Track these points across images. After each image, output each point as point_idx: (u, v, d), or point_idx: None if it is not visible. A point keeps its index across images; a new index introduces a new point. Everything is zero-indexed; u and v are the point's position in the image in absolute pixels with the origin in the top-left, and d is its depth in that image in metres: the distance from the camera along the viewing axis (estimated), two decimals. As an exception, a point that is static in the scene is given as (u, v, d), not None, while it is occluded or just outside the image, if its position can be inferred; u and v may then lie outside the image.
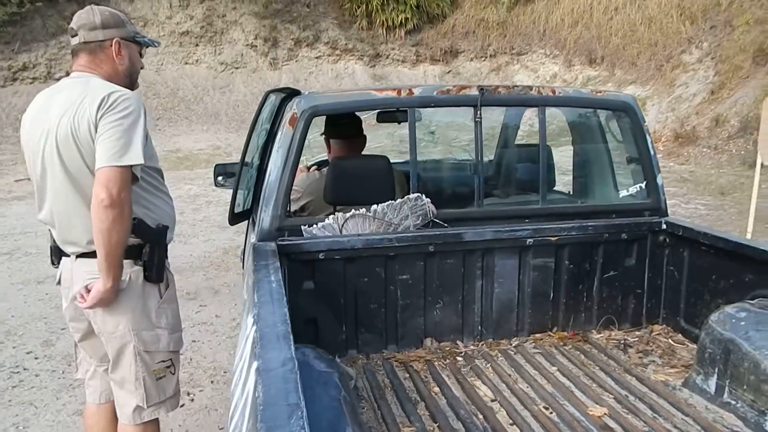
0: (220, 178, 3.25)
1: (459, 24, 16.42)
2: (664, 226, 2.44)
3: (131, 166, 1.71)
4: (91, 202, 1.68)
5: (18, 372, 3.44)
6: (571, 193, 2.99)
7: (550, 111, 2.41)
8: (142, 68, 2.00)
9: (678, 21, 12.79)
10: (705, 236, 2.24)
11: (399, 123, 3.51)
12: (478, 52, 16.11)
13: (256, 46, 15.77)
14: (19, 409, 3.03)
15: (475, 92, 2.26)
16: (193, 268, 5.41)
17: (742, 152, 9.37)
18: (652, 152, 2.45)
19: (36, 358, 3.61)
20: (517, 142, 3.29)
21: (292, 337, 1.25)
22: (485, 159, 3.71)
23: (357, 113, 2.64)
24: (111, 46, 1.87)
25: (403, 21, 16.05)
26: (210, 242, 6.28)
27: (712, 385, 1.92)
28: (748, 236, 5.25)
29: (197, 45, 15.44)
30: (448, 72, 16.29)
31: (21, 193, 9.13)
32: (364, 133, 2.81)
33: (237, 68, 15.72)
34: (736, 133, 9.80)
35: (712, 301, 2.26)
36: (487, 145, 4.00)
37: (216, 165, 3.31)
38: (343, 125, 2.68)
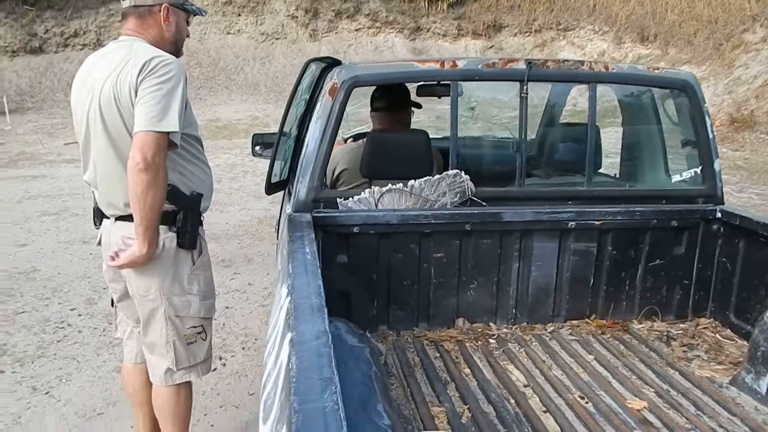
0: (257, 147, 3.25)
1: (505, -3, 16.02)
2: (719, 215, 2.32)
3: (167, 132, 1.72)
4: (127, 165, 1.70)
5: (63, 327, 3.58)
6: (617, 176, 2.88)
7: (600, 89, 2.31)
8: (188, 36, 2.01)
9: (741, -3, 12.16)
10: (765, 227, 2.12)
11: (439, 98, 3.46)
12: (523, 27, 15.72)
13: (297, 17, 15.75)
14: (62, 363, 3.16)
15: (522, 66, 2.17)
16: (228, 236, 5.50)
17: (803, 140, 8.92)
18: (711, 136, 2.32)
19: (79, 315, 3.75)
20: (561, 121, 3.18)
21: (326, 310, 1.23)
22: (528, 137, 3.63)
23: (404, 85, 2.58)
24: (160, 11, 1.89)
25: (447, -7, 15.75)
26: (245, 211, 6.36)
27: (763, 385, 1.83)
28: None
29: (239, 15, 15.51)
30: (491, 47, 15.97)
31: (70, 155, 9.42)
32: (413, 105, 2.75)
33: (277, 39, 15.75)
34: (796, 120, 9.32)
35: None
36: (529, 123, 3.89)
37: (254, 135, 3.32)
38: (387, 97, 2.63)
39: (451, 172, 2.19)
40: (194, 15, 2.01)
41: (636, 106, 2.67)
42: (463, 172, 2.20)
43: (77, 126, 1.91)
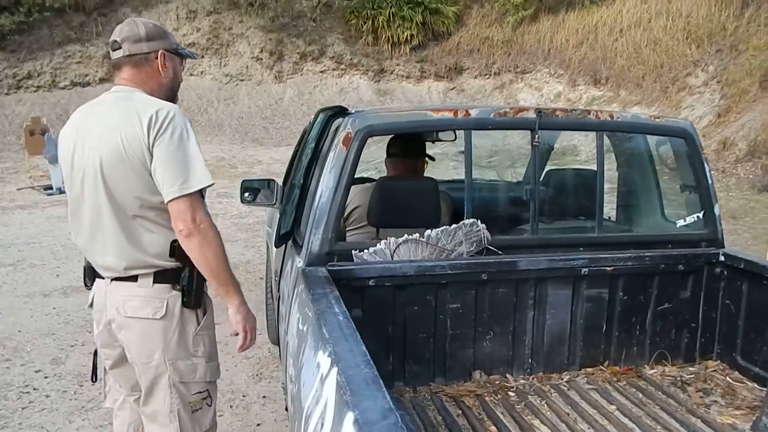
0: (246, 194, 3.15)
1: (464, 42, 16.52)
2: (721, 258, 2.35)
3: (199, 190, 1.67)
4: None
5: (27, 392, 3.28)
6: (613, 219, 2.91)
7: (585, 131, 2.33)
8: (181, 81, 1.94)
9: (684, 44, 12.88)
10: None
11: (434, 142, 3.47)
12: (483, 69, 16.19)
13: (262, 59, 15.79)
14: (30, 433, 2.88)
15: (532, 115, 2.18)
16: (204, 283, 5.30)
17: (751, 176, 9.36)
18: (710, 181, 2.37)
19: (45, 377, 3.46)
20: (565, 166, 3.21)
21: (382, 382, 1.13)
22: (514, 180, 3.66)
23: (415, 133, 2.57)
24: (156, 58, 1.81)
25: (409, 37, 16.14)
26: (219, 257, 6.16)
27: (791, 431, 1.81)
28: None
29: (203, 57, 15.44)
30: (452, 88, 16.35)
31: (23, 201, 8.99)
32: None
33: (242, 80, 15.72)
34: (743, 157, 9.80)
35: None
36: (513, 165, 3.91)
37: (243, 181, 3.22)
38: (404, 145, 2.62)
39: (467, 221, 2.16)
40: (187, 59, 1.96)
41: (631, 151, 2.71)
42: (479, 221, 2.16)
43: (70, 183, 1.80)
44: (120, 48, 1.79)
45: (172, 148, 1.65)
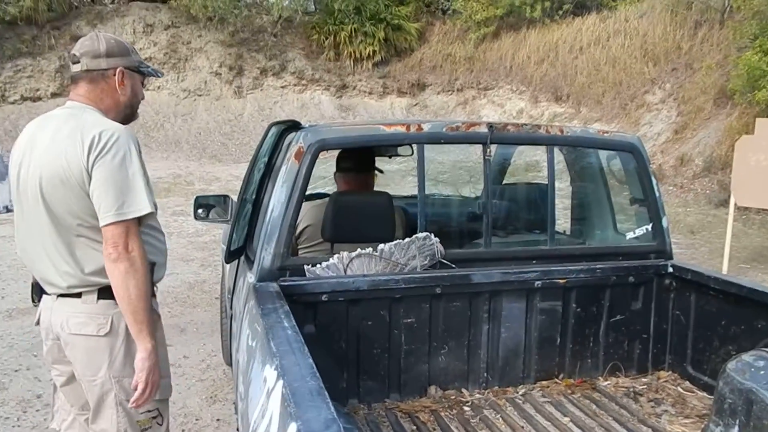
0: (200, 210, 3.14)
1: (426, 58, 16.79)
2: (670, 270, 2.45)
3: (136, 218, 1.67)
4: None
5: (-35, 422, 3.16)
6: (567, 233, 2.99)
7: (540, 147, 2.42)
8: (142, 98, 1.94)
9: (641, 62, 13.39)
10: (715, 281, 2.25)
11: (390, 157, 3.52)
12: (446, 86, 16.46)
13: (221, 74, 15.71)
14: (-32, 466, 2.77)
15: (484, 129, 2.25)
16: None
17: (707, 191, 9.74)
18: (657, 194, 2.47)
19: (-15, 405, 3.33)
20: (516, 180, 3.30)
21: (327, 393, 1.16)
22: (472, 196, 3.74)
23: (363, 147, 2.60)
24: (114, 75, 1.80)
25: (371, 53, 16.31)
26: (174, 276, 6.05)
27: (735, 437, 1.89)
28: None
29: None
30: (415, 104, 16.56)
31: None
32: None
33: (200, 95, 15.59)
34: (700, 173, 10.20)
35: (722, 347, 2.26)
36: (472, 181, 3.99)
37: (197, 197, 3.21)
38: (354, 159, 2.65)
39: (420, 234, 2.20)
40: (149, 77, 1.95)
41: (583, 165, 2.81)
42: (432, 234, 2.20)
43: (17, 197, 1.79)
44: (79, 62, 1.80)
45: (111, 171, 1.64)
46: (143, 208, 1.67)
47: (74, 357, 1.77)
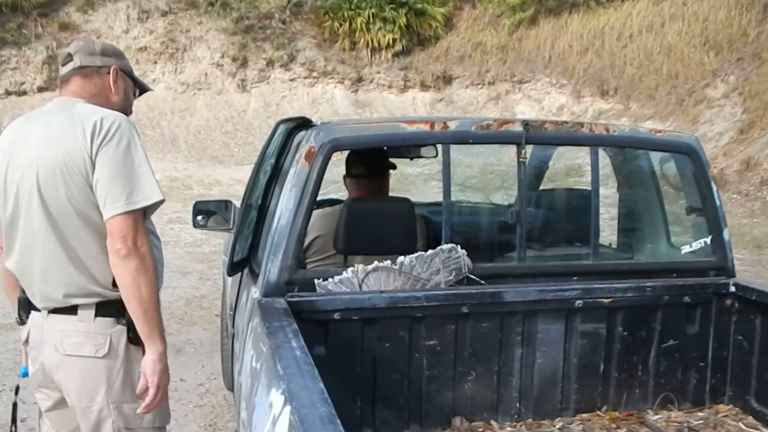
0: (200, 217, 3.20)
1: (453, 47, 16.82)
2: (732, 289, 2.43)
3: (144, 207, 1.72)
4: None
5: (-61, 449, 3.24)
6: (613, 246, 2.99)
7: (583, 149, 2.43)
8: (131, 104, 2.03)
9: (701, 51, 13.27)
10: None
11: (412, 159, 3.55)
12: (475, 78, 16.47)
13: (223, 66, 15.91)
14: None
15: (519, 128, 2.26)
16: (150, 322, 5.27)
17: (777, 200, 9.60)
18: (718, 203, 2.46)
19: (-39, 433, 3.41)
20: (555, 186, 3.31)
21: (339, 421, 1.18)
22: (504, 203, 3.75)
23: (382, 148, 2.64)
24: (108, 73, 1.90)
25: (391, 42, 16.37)
26: (169, 290, 6.12)
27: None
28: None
29: (155, 62, 15.53)
30: (441, 100, 16.59)
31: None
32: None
33: (200, 89, 15.80)
34: (769, 179, 10.05)
35: None
36: (503, 186, 4.00)
37: (196, 203, 3.27)
38: (367, 162, 2.69)
39: (445, 246, 2.21)
40: (139, 89, 2.06)
41: (633, 169, 2.81)
42: (458, 246, 2.22)
43: (2, 203, 1.84)
44: (71, 61, 1.88)
45: (117, 158, 1.70)
46: (153, 195, 1.73)
47: (68, 381, 1.81)
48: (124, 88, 1.96)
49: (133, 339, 1.81)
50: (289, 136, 2.37)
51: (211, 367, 4.18)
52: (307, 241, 2.59)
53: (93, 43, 1.93)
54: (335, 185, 3.75)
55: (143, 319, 1.74)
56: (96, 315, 1.79)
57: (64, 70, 1.90)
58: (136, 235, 1.69)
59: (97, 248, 1.76)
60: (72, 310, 1.77)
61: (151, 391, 1.78)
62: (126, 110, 1.97)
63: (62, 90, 1.90)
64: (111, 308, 1.78)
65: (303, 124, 2.32)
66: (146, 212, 1.76)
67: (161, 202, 1.77)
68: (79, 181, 1.71)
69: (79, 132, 1.71)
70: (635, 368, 2.41)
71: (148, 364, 1.77)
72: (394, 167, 2.91)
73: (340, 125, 2.26)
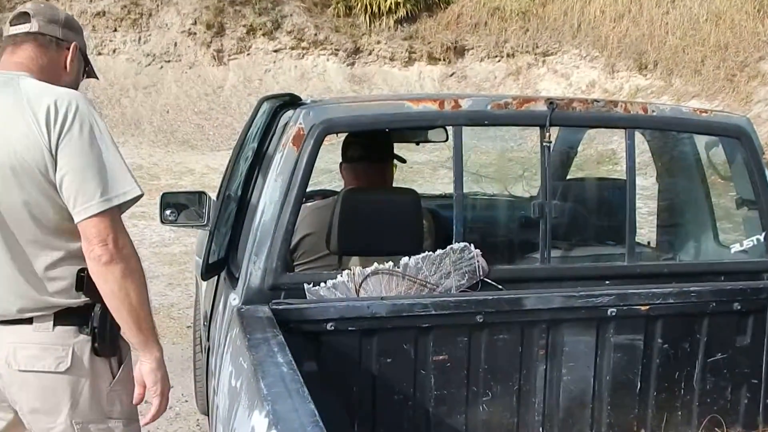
0: (168, 212, 3.20)
1: (466, 13, 16.78)
2: None
3: (122, 203, 1.75)
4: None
5: None
6: (651, 244, 3.00)
7: (618, 132, 2.45)
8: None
9: (754, 18, 13.25)
10: None
11: (417, 144, 3.57)
12: (491, 50, 16.44)
13: (195, 34, 15.88)
14: None
15: (542, 107, 2.27)
16: (110, 333, 5.30)
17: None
18: (774, 194, 2.47)
19: None
20: (584, 175, 3.32)
21: None
22: (526, 195, 3.76)
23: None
24: (68, 48, 1.92)
25: (393, 7, 16.33)
26: (133, 298, 6.16)
27: None
28: None
29: (115, 30, 15.48)
30: (452, 75, 16.58)
31: None
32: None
33: (168, 62, 15.77)
34: (834, 167, 10.06)
35: None
36: (525, 176, 4.02)
37: (163, 194, 3.27)
38: (366, 144, 2.69)
39: (456, 245, 2.22)
40: (86, 75, 2.09)
41: (675, 156, 2.82)
42: (472, 245, 2.23)
43: None
44: (27, 23, 1.87)
45: (82, 149, 1.70)
46: (130, 189, 1.75)
47: (24, 399, 1.83)
48: (77, 70, 1.99)
49: (100, 350, 1.84)
50: (274, 116, 2.38)
51: (183, 388, 4.20)
52: (295, 239, 2.60)
53: (56, 11, 1.94)
54: (328, 175, 3.75)
55: (136, 328, 1.78)
56: (55, 324, 1.80)
57: (13, 30, 1.88)
58: (116, 236, 1.71)
59: (56, 254, 1.78)
60: (26, 319, 1.79)
61: (156, 402, 1.86)
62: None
63: (8, 55, 1.88)
64: (73, 316, 1.81)
65: (290, 102, 2.33)
66: (121, 208, 1.78)
67: (140, 196, 1.78)
68: (37, 178, 1.71)
69: (30, 119, 1.70)
70: (677, 386, 2.43)
71: (147, 373, 1.84)
72: (403, 161, 2.93)
73: (333, 104, 2.26)
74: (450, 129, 2.41)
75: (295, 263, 2.64)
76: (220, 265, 2.40)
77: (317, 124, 2.12)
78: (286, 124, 2.26)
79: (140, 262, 1.80)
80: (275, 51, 16.38)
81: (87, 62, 2.06)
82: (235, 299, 2.12)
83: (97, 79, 2.28)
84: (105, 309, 1.82)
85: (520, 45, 16.09)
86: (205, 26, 15.85)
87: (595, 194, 2.91)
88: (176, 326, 5.39)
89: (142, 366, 1.84)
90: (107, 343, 1.84)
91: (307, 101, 2.30)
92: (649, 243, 3.02)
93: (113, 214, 1.73)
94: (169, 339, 5.12)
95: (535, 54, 16.05)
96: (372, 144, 2.69)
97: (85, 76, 2.09)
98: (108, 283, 1.72)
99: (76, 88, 1.98)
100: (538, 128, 2.29)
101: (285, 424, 1.28)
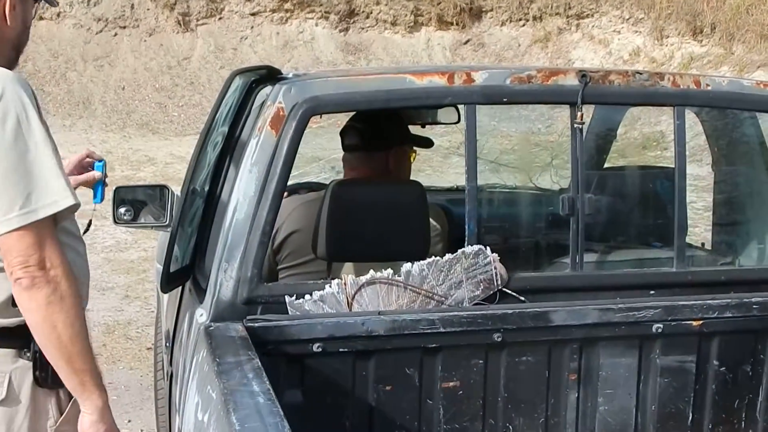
0: (123, 209, 3.19)
1: (484, -34, 16.80)
2: None
3: (49, 216, 1.70)
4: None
5: None
6: (706, 246, 3.00)
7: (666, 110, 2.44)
8: (28, 35, 2.03)
9: (833, -28, 13.22)
10: None
11: (423, 127, 3.56)
12: (514, 12, 16.46)
13: (157, -7, 15.90)
14: None
15: (573, 81, 2.26)
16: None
17: None
18: None
19: None
20: (625, 164, 3.32)
21: None
22: (553, 188, 3.76)
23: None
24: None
25: (395, -41, 16.36)
26: (82, 314, 6.17)
27: None
28: None
29: (61, -11, 15.49)
30: (466, 42, 16.59)
31: None
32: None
33: (123, 28, 15.81)
34: None
35: None
36: (555, 164, 4.03)
37: (117, 189, 3.27)
38: (368, 128, 2.70)
39: (469, 249, 2.22)
40: (40, 3, 2.06)
41: (734, 139, 2.82)
42: (488, 249, 2.23)
43: None
44: None
45: (3, 148, 1.68)
46: (60, 198, 1.71)
47: None
48: (22, 14, 1.93)
49: (42, 380, 1.83)
50: (249, 93, 2.37)
51: (142, 421, 4.23)
52: (280, 237, 2.62)
53: None
54: (317, 164, 3.75)
55: (68, 369, 1.75)
56: None
57: None
58: (42, 255, 1.68)
59: None
60: None
61: None
62: (20, 44, 1.97)
63: None
64: (8, 338, 1.80)
65: (268, 76, 2.32)
66: (56, 219, 1.76)
67: (74, 207, 1.75)
68: None
69: None
70: (736, 417, 2.44)
71: (87, 426, 1.79)
72: (429, 144, 2.98)
73: (320, 78, 2.26)
74: (462, 108, 2.41)
75: (279, 266, 2.65)
76: (183, 274, 2.39)
77: (300, 103, 2.12)
78: (262, 103, 2.26)
79: (75, 286, 1.75)
80: (252, 14, 16.40)
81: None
82: (202, 315, 2.12)
83: (56, 4, 2.28)
84: None
85: (549, 6, 16.10)
86: (168, -16, 15.89)
87: (638, 186, 2.90)
88: (134, 348, 5.40)
89: (82, 418, 1.80)
90: (50, 372, 1.82)
91: (288, 75, 2.29)
92: (703, 244, 3.03)
93: (39, 229, 1.69)
94: (126, 363, 5.14)
95: (568, 16, 16.07)
96: (377, 127, 2.70)
97: (37, 8, 2.06)
98: (30, 312, 1.70)
99: (24, 39, 1.98)
100: (568, 107, 2.29)
101: None
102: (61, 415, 1.89)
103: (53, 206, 1.71)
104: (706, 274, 2.49)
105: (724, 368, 2.40)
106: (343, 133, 2.78)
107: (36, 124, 1.73)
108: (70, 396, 1.89)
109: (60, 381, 1.85)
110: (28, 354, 1.82)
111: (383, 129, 2.74)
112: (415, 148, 2.97)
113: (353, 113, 2.72)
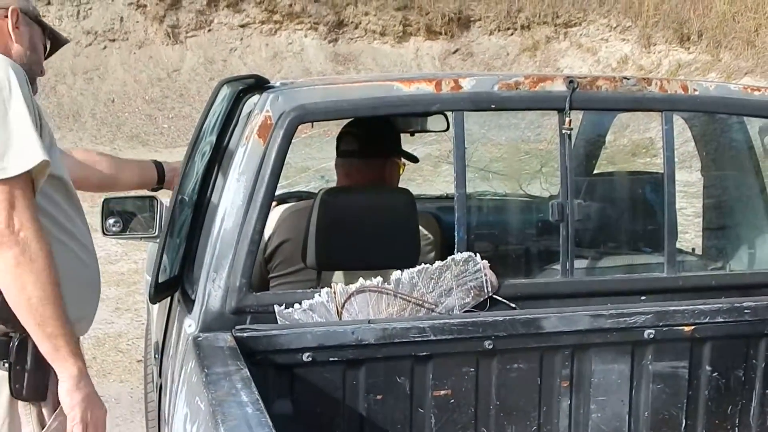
0: (111, 221, 3.19)
1: (472, -24, 16.88)
2: None
3: (21, 173, 1.71)
4: None
5: None
6: (696, 251, 3.00)
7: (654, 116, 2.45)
8: (42, 62, 2.14)
9: (818, -21, 13.32)
10: None
11: (412, 135, 3.56)
12: (503, 21, 16.54)
13: (146, 6, 15.93)
14: None
15: (561, 87, 2.27)
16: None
17: None
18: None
19: None
20: (615, 170, 3.33)
21: None
22: (542, 194, 3.77)
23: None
24: (7, 16, 1.97)
25: (384, -30, 16.43)
26: (72, 327, 6.15)
27: None
28: None
29: (49, 3, 15.50)
30: (455, 52, 16.67)
31: None
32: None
33: (113, 41, 15.83)
34: None
35: None
36: (544, 171, 4.02)
37: (105, 200, 3.26)
38: (363, 135, 2.70)
39: (459, 256, 2.22)
40: (50, 40, 2.18)
41: (722, 144, 2.83)
42: (478, 256, 2.22)
43: None
44: None
45: None
46: (31, 156, 1.72)
47: None
48: (29, 35, 2.03)
49: (18, 392, 1.83)
50: (236, 102, 2.37)
51: (132, 433, 4.20)
52: (271, 246, 2.63)
53: None
54: (305, 174, 3.74)
55: (40, 332, 1.75)
56: None
57: None
58: (10, 214, 1.69)
59: None
60: None
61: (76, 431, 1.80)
62: (33, 66, 2.04)
63: None
64: None
65: (255, 85, 2.33)
66: (34, 182, 1.77)
67: (45, 163, 1.76)
68: None
69: None
70: (729, 422, 2.43)
71: (63, 395, 1.80)
72: (415, 160, 2.98)
73: (307, 87, 2.25)
74: (450, 115, 2.40)
75: (270, 275, 2.64)
76: (172, 284, 2.38)
77: (287, 112, 2.12)
78: (250, 112, 2.25)
79: (48, 248, 1.75)
80: (242, 26, 16.45)
81: (44, 27, 2.12)
82: (190, 326, 2.11)
83: (68, 41, 2.38)
84: (27, 338, 1.81)
85: (537, 15, 16.18)
86: (157, -2, 15.92)
87: (627, 192, 2.90)
88: (125, 360, 5.38)
89: (59, 387, 1.80)
90: (29, 382, 1.82)
91: (276, 84, 2.29)
92: (693, 250, 3.02)
93: (11, 187, 1.70)
94: (117, 376, 5.12)
95: (555, 25, 16.14)
96: (368, 136, 2.70)
97: (48, 45, 2.16)
98: (1, 273, 1.70)
99: (36, 60, 2.08)
100: (556, 113, 2.29)
101: None
102: (42, 428, 1.88)
103: (24, 165, 1.72)
104: (697, 279, 2.49)
105: (716, 374, 2.40)
106: (339, 138, 2.78)
107: (18, 95, 1.76)
108: (52, 408, 1.89)
109: (38, 393, 1.86)
110: (5, 363, 1.82)
111: (380, 137, 2.76)
112: (404, 160, 2.99)
113: (350, 120, 2.71)
